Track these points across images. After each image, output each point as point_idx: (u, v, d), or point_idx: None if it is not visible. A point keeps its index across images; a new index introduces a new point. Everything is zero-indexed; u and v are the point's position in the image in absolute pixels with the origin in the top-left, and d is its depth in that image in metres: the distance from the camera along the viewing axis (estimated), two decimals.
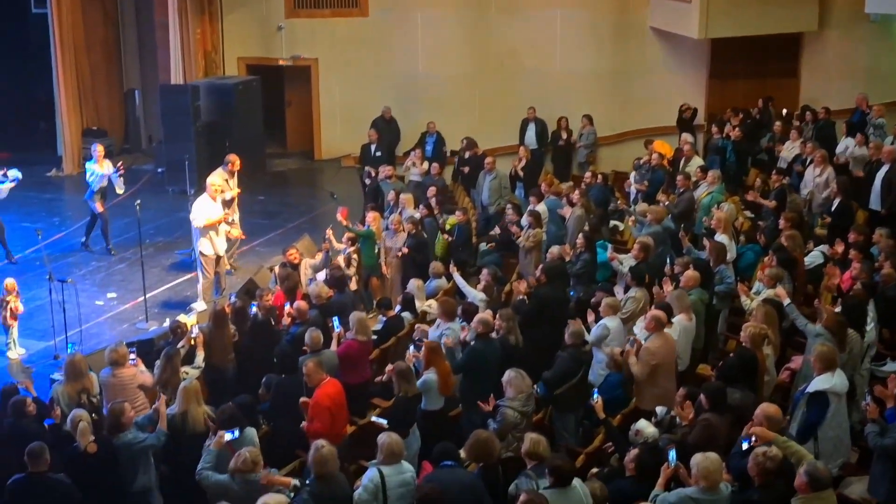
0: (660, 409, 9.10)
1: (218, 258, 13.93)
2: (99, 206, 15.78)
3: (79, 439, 8.73)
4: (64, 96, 20.83)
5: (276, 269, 13.54)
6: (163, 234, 16.82)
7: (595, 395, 9.06)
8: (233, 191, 14.81)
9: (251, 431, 8.95)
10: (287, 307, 11.77)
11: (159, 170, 19.83)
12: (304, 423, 9.29)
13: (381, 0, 21.69)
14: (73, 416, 8.92)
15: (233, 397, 9.74)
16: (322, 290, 11.99)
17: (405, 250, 14.32)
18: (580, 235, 13.25)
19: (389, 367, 9.64)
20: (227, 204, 14.44)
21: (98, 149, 15.96)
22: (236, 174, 14.99)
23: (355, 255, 14.09)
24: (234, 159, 14.96)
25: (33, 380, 10.98)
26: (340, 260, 13.85)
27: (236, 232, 14.85)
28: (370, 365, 11.12)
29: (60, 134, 21.18)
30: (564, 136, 20.93)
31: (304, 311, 11.24)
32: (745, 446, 7.66)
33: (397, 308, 12.70)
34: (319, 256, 14.20)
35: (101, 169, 15.64)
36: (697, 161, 16.92)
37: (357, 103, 21.63)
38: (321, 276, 13.36)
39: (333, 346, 10.74)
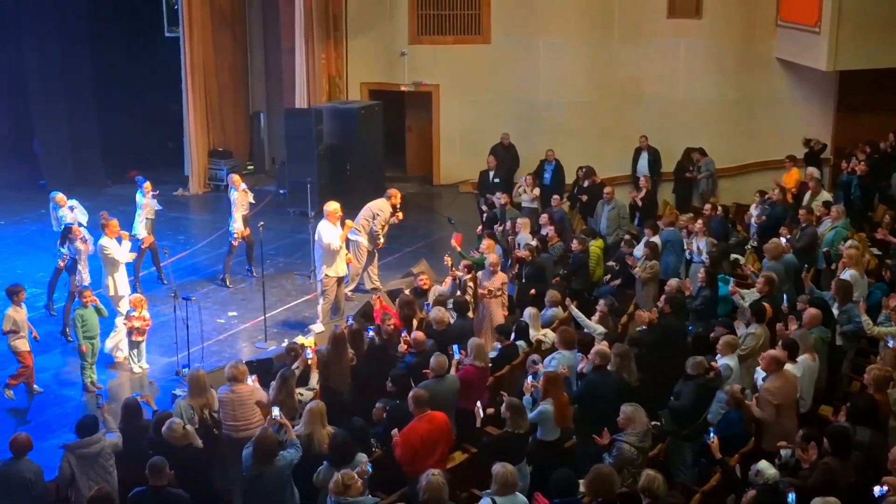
0: (784, 452, 8.90)
1: (339, 280, 14.12)
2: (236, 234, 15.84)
3: (192, 441, 9.09)
4: (193, 117, 21.46)
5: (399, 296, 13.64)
6: (283, 254, 17.11)
7: (711, 434, 8.92)
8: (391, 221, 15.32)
9: (361, 457, 8.92)
10: (404, 334, 11.86)
11: (281, 191, 20.20)
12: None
13: (503, 27, 21.75)
14: (172, 424, 9.18)
15: (348, 420, 9.83)
16: (444, 316, 12.06)
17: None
18: (701, 270, 13.08)
19: (504, 404, 9.58)
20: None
21: (234, 177, 16.19)
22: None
23: (471, 283, 14.11)
24: (396, 193, 15.38)
25: (154, 395, 11.26)
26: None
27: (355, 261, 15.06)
28: (487, 391, 11.09)
29: (188, 154, 21.79)
30: (696, 167, 20.64)
31: (422, 342, 11.26)
32: (877, 494, 7.41)
33: (512, 336, 12.66)
34: (447, 282, 14.22)
35: (245, 197, 15.86)
36: (825, 196, 16.50)
37: (476, 129, 21.71)
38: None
39: (452, 372, 10.76)
